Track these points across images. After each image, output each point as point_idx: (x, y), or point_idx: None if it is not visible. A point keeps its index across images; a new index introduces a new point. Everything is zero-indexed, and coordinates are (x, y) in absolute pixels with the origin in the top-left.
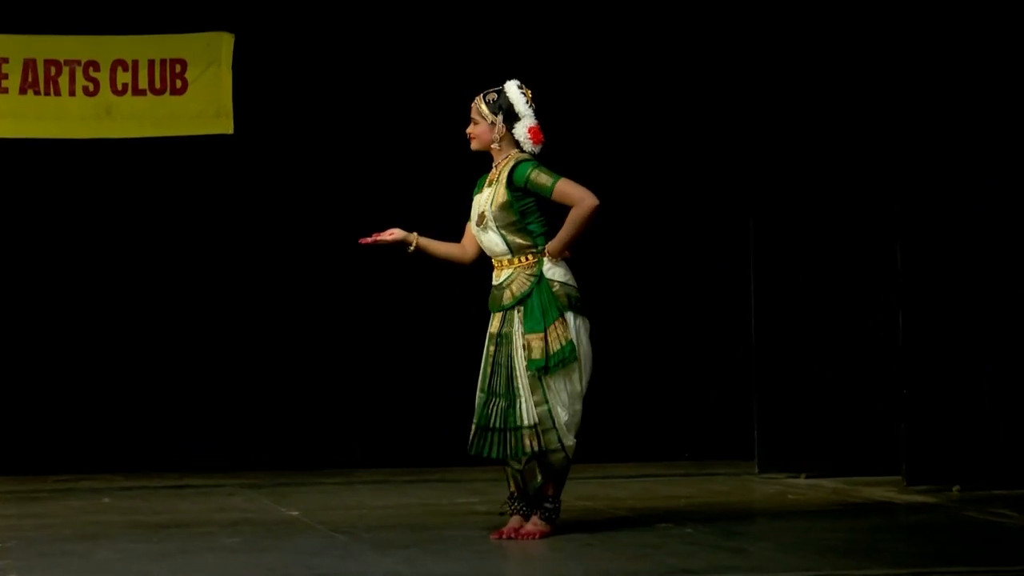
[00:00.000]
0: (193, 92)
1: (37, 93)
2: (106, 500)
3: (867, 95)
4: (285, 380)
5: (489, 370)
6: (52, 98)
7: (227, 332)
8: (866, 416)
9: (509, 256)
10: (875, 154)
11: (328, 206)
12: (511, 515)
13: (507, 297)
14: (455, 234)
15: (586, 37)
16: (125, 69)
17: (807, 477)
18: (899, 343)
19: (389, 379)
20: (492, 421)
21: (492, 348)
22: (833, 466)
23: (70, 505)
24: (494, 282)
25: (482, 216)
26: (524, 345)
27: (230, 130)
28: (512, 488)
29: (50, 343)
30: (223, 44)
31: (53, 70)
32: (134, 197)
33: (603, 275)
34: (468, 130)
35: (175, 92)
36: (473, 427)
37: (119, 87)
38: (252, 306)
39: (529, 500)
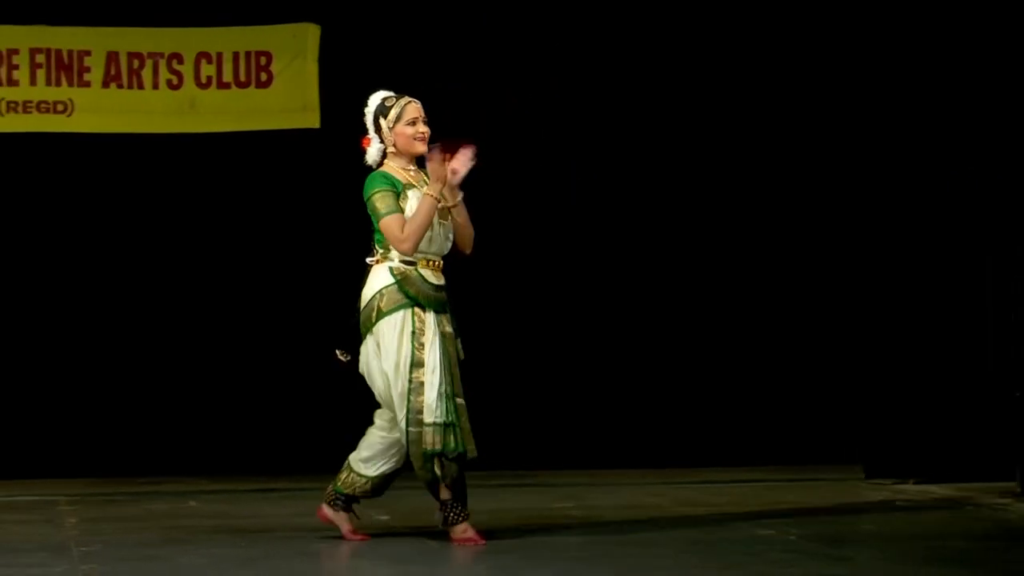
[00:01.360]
0: (278, 85)
1: (120, 87)
2: (192, 503)
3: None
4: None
5: (455, 369)
6: (135, 92)
7: (316, 334)
8: (978, 420)
9: (441, 260)
10: (975, 157)
11: None
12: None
13: (445, 298)
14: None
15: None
16: (209, 62)
17: (916, 483)
18: (1014, 345)
19: (485, 381)
20: (455, 417)
21: (451, 347)
22: (944, 471)
23: (154, 508)
24: (434, 281)
25: (446, 211)
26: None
27: (316, 124)
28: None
29: (135, 344)
30: (309, 36)
31: (136, 63)
32: (217, 193)
33: (706, 280)
34: (427, 132)
35: (260, 85)
36: (452, 428)
37: (203, 80)
38: (343, 305)
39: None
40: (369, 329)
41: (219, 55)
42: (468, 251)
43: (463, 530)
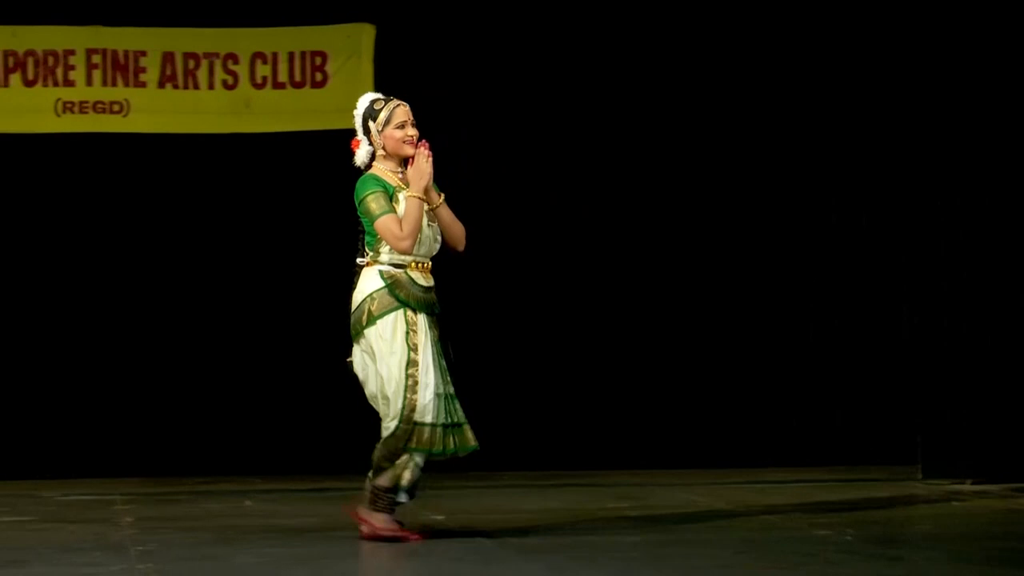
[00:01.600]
0: (334, 85)
1: (176, 87)
2: (247, 503)
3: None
4: None
5: (445, 370)
6: (190, 92)
7: None
8: None
9: (430, 262)
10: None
11: (473, 203)
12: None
13: (434, 300)
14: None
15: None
16: (265, 62)
17: (974, 483)
18: None
19: (537, 380)
20: (453, 417)
21: (442, 348)
22: (1002, 471)
23: (209, 508)
24: (424, 283)
25: (431, 214)
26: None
27: None
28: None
29: (192, 343)
30: (364, 36)
31: (192, 63)
32: (272, 193)
33: (762, 277)
34: (415, 135)
35: (315, 85)
36: (440, 428)
37: (258, 80)
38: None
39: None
40: (360, 332)
41: (274, 55)
42: (460, 248)
43: (385, 519)
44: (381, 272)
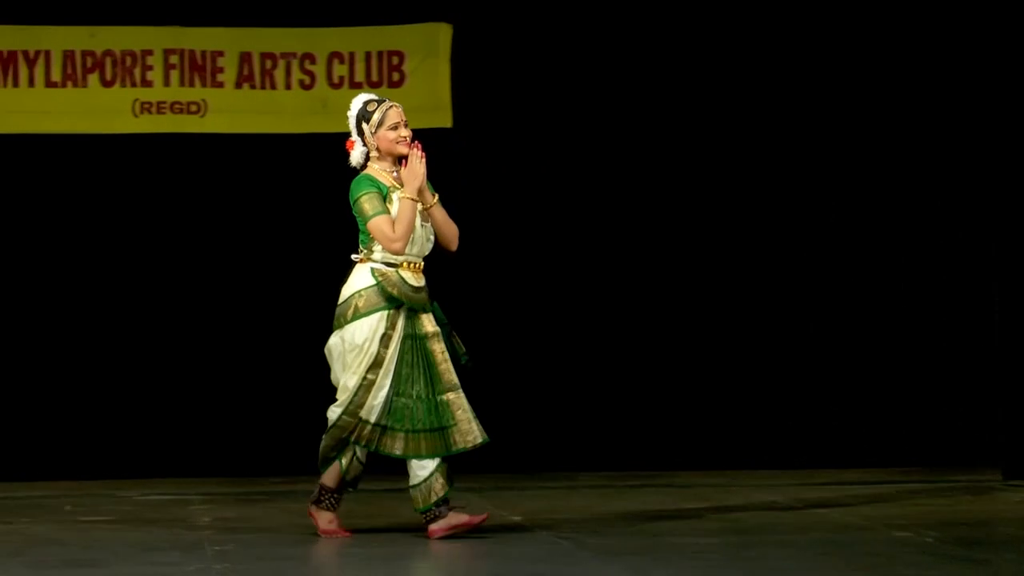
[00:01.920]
0: (411, 85)
1: (253, 87)
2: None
3: None
4: (508, 382)
5: (440, 368)
6: (268, 92)
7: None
8: None
9: (423, 261)
10: None
11: (551, 203)
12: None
13: (426, 299)
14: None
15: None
16: (342, 62)
17: None
18: None
19: (618, 380)
20: (436, 421)
21: (435, 345)
22: None
23: (288, 508)
24: (414, 283)
25: (425, 214)
26: (449, 340)
27: (449, 123)
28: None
29: (265, 341)
30: (441, 35)
31: (269, 63)
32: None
33: (841, 277)
34: (409, 135)
35: (392, 85)
36: (379, 428)
37: (336, 80)
38: (481, 305)
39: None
40: (342, 325)
41: (351, 55)
42: (453, 248)
43: (329, 520)
44: (373, 270)
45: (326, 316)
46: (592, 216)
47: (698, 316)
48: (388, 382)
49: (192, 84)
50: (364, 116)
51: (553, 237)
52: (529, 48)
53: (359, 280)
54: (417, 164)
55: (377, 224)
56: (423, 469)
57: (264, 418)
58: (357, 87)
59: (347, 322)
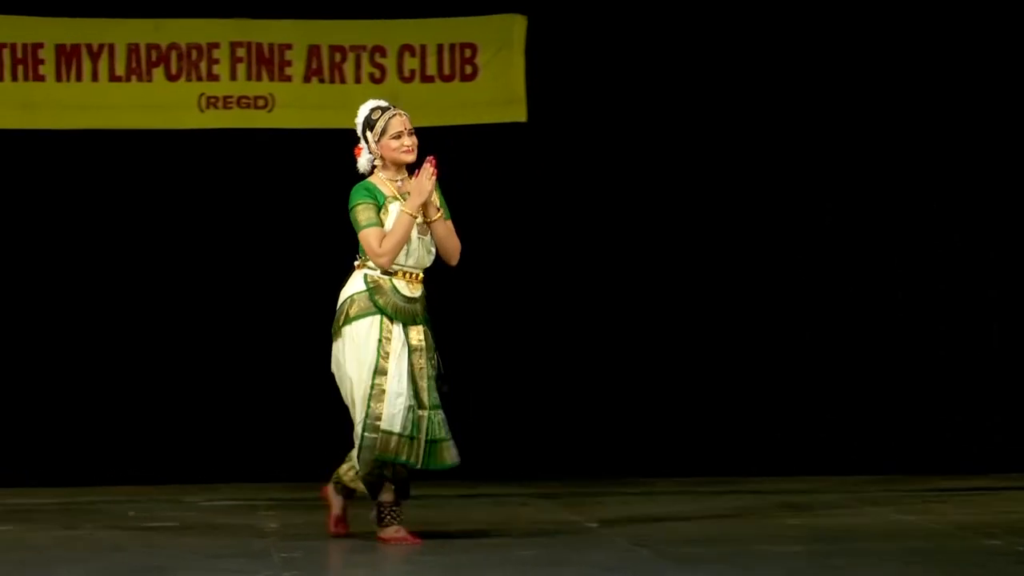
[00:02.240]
0: (484, 78)
1: (322, 81)
2: None
3: None
4: (589, 384)
5: (424, 382)
6: (337, 86)
7: (536, 339)
8: None
9: (422, 273)
10: None
11: (629, 202)
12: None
13: (418, 312)
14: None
15: None
16: (413, 55)
17: None
18: None
19: (700, 383)
20: (431, 433)
21: (423, 360)
22: None
23: (358, 514)
24: (408, 294)
25: (425, 227)
26: (435, 357)
27: (523, 118)
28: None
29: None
30: (515, 27)
31: (338, 56)
32: None
33: (921, 279)
34: (413, 143)
35: (465, 78)
36: (407, 439)
37: (406, 74)
38: (554, 305)
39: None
40: (338, 332)
41: (423, 48)
42: (453, 263)
43: (395, 530)
44: (366, 276)
45: None
46: (663, 216)
47: (772, 320)
48: (403, 389)
49: (259, 78)
50: (368, 124)
51: (623, 236)
52: (607, 40)
53: (352, 286)
54: (426, 180)
55: (366, 236)
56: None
57: (332, 424)
58: (428, 81)
59: (340, 327)
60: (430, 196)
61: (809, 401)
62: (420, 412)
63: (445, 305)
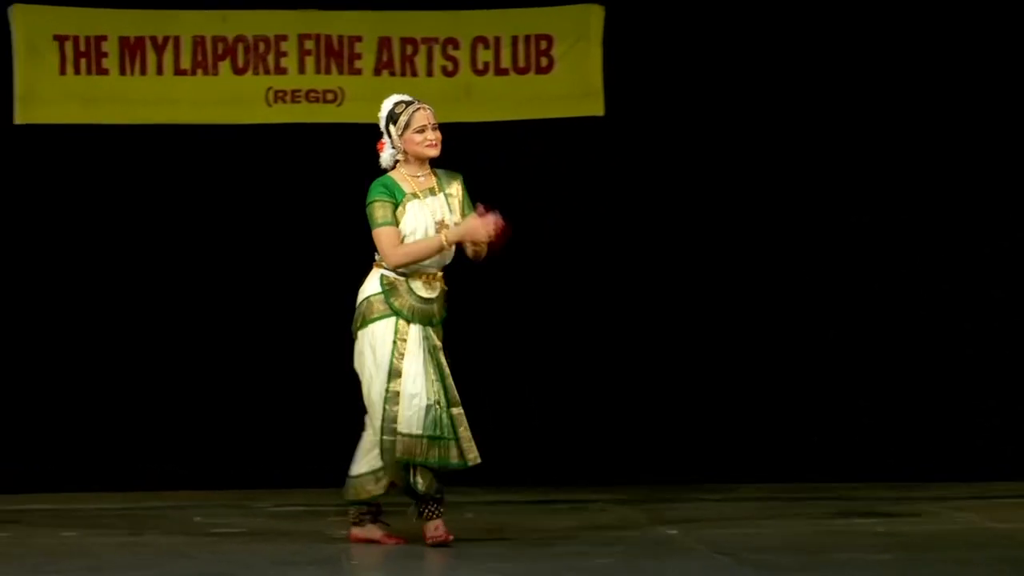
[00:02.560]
0: (560, 71)
1: (392, 74)
2: (468, 515)
3: None
4: (671, 387)
5: (448, 380)
6: (408, 79)
7: (615, 340)
8: None
9: (441, 271)
10: None
11: (708, 198)
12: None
13: (436, 312)
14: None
15: None
16: (487, 46)
17: None
18: None
19: (783, 388)
20: (447, 431)
21: (443, 358)
22: None
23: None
24: (425, 295)
25: (446, 226)
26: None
27: (600, 111)
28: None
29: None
30: (592, 17)
31: (410, 49)
32: (495, 185)
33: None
34: (436, 137)
35: (540, 71)
36: (426, 440)
37: (480, 66)
38: (640, 305)
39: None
40: (355, 334)
41: (497, 39)
42: (477, 260)
43: (435, 527)
44: (382, 277)
45: (467, 321)
46: (739, 213)
47: (860, 325)
48: (419, 390)
49: (328, 71)
50: (392, 118)
51: (701, 233)
52: (687, 30)
53: (368, 286)
54: (482, 229)
55: (379, 234)
56: (365, 465)
57: None
58: (503, 74)
59: (357, 329)
60: (475, 238)
61: (896, 407)
62: (454, 411)
63: (515, 305)
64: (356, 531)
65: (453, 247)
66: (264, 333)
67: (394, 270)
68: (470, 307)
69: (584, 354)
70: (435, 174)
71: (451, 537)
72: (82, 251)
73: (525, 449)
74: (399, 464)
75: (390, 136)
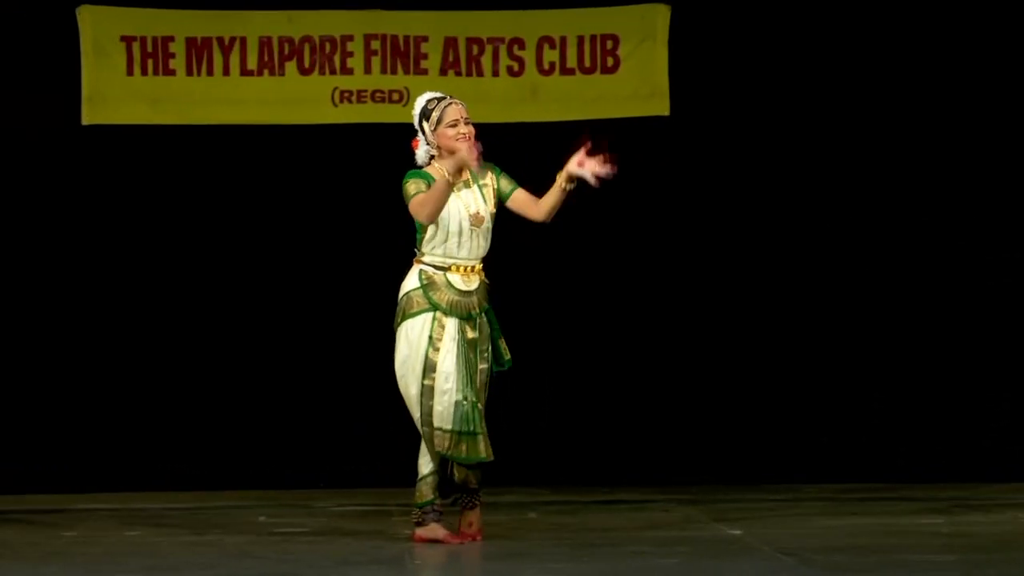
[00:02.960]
0: (625, 70)
1: (458, 74)
2: (531, 515)
3: None
4: (737, 388)
5: (477, 376)
6: (474, 79)
7: (677, 340)
8: None
9: (480, 263)
10: None
11: (773, 198)
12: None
13: (475, 304)
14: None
15: None
16: (552, 46)
17: None
18: None
19: (844, 388)
20: (475, 426)
21: (474, 354)
22: None
23: (494, 520)
24: (463, 287)
25: (480, 218)
26: (489, 348)
27: (666, 112)
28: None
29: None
30: (658, 17)
31: (475, 49)
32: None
33: None
34: (470, 131)
35: (606, 71)
36: (455, 434)
37: (546, 66)
38: (706, 304)
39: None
40: (395, 329)
41: (563, 39)
42: (541, 220)
43: (468, 523)
44: (421, 272)
45: (531, 322)
46: (802, 215)
47: (923, 323)
48: (451, 386)
49: (394, 71)
50: (425, 114)
51: (765, 234)
52: (754, 30)
53: (408, 282)
54: (464, 149)
55: (412, 204)
56: (425, 466)
57: None
58: (569, 73)
59: (397, 325)
60: (465, 162)
61: (957, 407)
62: (479, 406)
63: (574, 303)
64: (419, 531)
65: (482, 226)
66: (333, 333)
67: (425, 223)
68: (528, 304)
69: (648, 355)
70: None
71: (480, 537)
72: (149, 250)
73: (588, 450)
74: (439, 458)
75: (424, 133)
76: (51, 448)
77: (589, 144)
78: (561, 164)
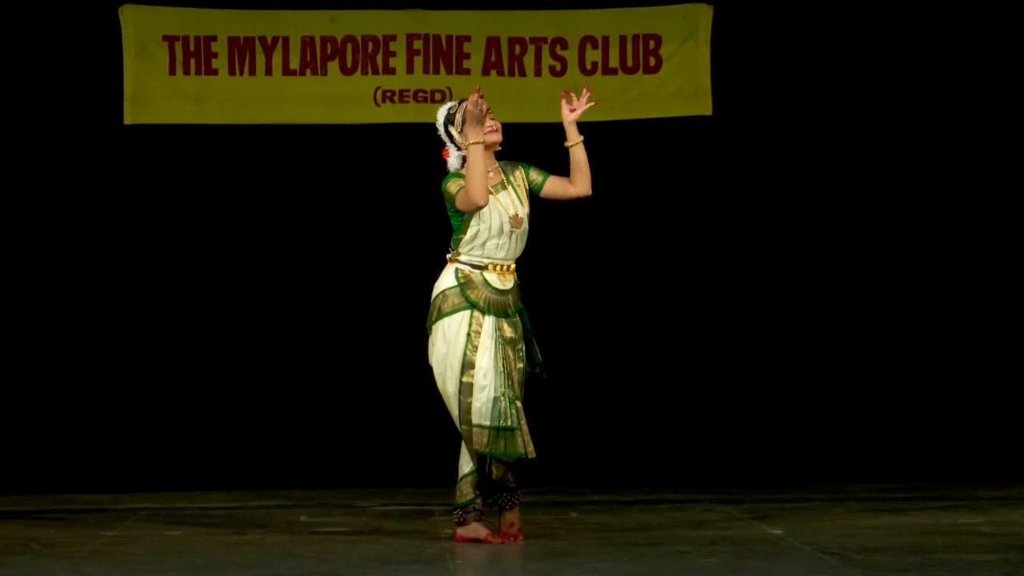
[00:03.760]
0: (668, 70)
1: (500, 74)
2: (573, 515)
3: None
4: (779, 388)
5: (514, 374)
6: (516, 79)
7: (720, 341)
8: None
9: (514, 264)
10: None
11: (816, 197)
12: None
13: (511, 303)
14: None
15: None
16: (595, 46)
17: None
18: None
19: (883, 389)
20: (513, 421)
21: (511, 352)
22: None
23: (535, 519)
24: (499, 286)
25: (519, 219)
26: (523, 348)
27: (708, 112)
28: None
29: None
30: (701, 17)
31: (518, 49)
32: (602, 184)
33: None
34: (496, 124)
35: (648, 71)
36: (492, 431)
37: (588, 66)
38: (747, 305)
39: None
40: (430, 327)
41: (605, 39)
42: (583, 192)
43: (509, 522)
44: (457, 271)
45: (575, 321)
46: (848, 215)
47: (966, 324)
48: (489, 383)
49: (437, 71)
50: (449, 120)
51: (808, 235)
52: (797, 30)
53: (444, 280)
54: (475, 108)
55: (457, 200)
56: (461, 469)
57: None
58: (611, 73)
59: (432, 323)
60: (476, 110)
61: (997, 407)
62: (518, 403)
63: (635, 304)
64: (461, 530)
65: (521, 228)
66: (376, 334)
67: (481, 204)
68: (572, 304)
69: (692, 355)
70: (500, 169)
71: (521, 536)
72: (191, 249)
73: (631, 450)
74: (477, 454)
75: (452, 139)
76: (92, 448)
77: (570, 93)
78: (602, 164)
